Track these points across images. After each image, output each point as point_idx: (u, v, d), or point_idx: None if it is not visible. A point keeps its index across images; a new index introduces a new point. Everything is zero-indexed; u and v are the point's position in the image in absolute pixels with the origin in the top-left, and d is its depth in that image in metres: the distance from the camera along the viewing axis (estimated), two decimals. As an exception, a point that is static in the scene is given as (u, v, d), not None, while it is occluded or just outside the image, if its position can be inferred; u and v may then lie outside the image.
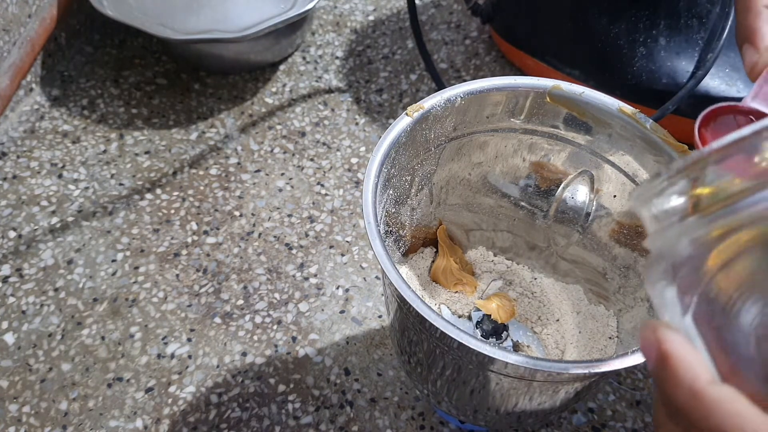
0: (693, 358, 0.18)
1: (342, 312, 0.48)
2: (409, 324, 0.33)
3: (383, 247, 0.30)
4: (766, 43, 0.26)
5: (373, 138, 0.60)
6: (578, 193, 0.41)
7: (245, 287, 0.49)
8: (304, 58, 0.67)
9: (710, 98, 0.53)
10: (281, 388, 0.44)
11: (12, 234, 0.51)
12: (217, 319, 0.47)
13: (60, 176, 0.56)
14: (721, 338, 0.18)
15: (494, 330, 0.42)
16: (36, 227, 0.52)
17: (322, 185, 0.56)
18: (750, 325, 0.18)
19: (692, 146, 0.29)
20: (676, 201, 0.19)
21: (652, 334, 0.19)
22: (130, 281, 0.49)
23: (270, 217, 0.53)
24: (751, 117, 0.25)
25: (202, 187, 0.55)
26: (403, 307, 0.32)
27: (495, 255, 0.46)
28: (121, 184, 0.55)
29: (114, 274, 0.49)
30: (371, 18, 0.73)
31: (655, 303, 0.20)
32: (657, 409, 0.19)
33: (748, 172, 0.17)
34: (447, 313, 0.43)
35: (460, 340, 0.27)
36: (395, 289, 0.29)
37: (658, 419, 0.19)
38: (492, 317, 0.42)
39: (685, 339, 0.18)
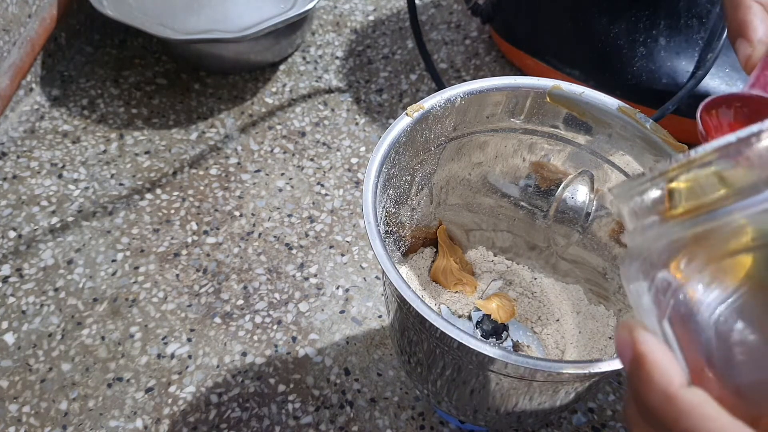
0: (667, 360, 0.18)
1: (342, 312, 0.48)
2: (409, 324, 0.33)
3: (383, 247, 0.30)
4: (759, 35, 0.27)
5: (373, 138, 0.60)
6: (578, 193, 0.41)
7: (245, 287, 0.49)
8: (304, 58, 0.67)
9: (710, 98, 0.53)
10: (281, 388, 0.44)
11: (12, 234, 0.51)
12: (217, 319, 0.47)
13: (60, 176, 0.56)
14: (693, 339, 0.18)
15: (494, 330, 0.42)
16: (36, 227, 0.52)
17: (322, 185, 0.56)
18: (711, 324, 0.18)
19: (692, 146, 0.29)
20: (655, 193, 0.19)
21: (628, 334, 0.19)
22: (130, 281, 0.49)
23: (270, 217, 0.53)
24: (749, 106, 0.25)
25: (202, 187, 0.55)
26: (403, 307, 0.32)
27: (495, 255, 0.46)
28: (121, 184, 0.55)
29: (114, 274, 0.49)
30: (371, 18, 0.73)
31: (631, 301, 0.20)
32: (629, 407, 0.20)
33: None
34: (447, 313, 0.43)
35: (460, 340, 0.27)
36: (395, 289, 0.29)
37: (630, 417, 0.20)
38: (492, 317, 0.42)
39: (660, 341, 0.19)
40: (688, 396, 0.17)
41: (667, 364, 0.18)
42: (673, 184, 0.18)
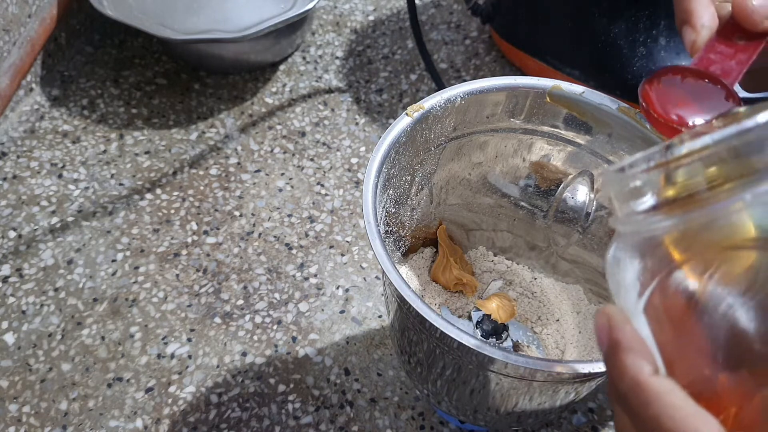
0: (639, 348, 0.19)
1: (342, 312, 0.48)
2: (409, 324, 0.33)
3: (383, 247, 0.30)
4: (702, 21, 0.28)
5: (373, 138, 0.60)
6: (578, 193, 0.41)
7: (245, 287, 0.49)
8: (304, 58, 0.67)
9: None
10: (281, 388, 0.44)
11: (12, 234, 0.51)
12: (217, 319, 0.47)
13: (60, 176, 0.56)
14: (686, 324, 0.18)
15: (494, 330, 0.42)
16: (36, 227, 0.52)
17: (322, 185, 0.56)
18: (712, 310, 0.18)
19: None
20: (651, 182, 0.19)
21: (605, 320, 0.20)
22: (130, 281, 0.49)
23: (270, 217, 0.53)
24: (704, 79, 0.26)
25: (202, 187, 0.55)
26: (403, 307, 0.32)
27: (495, 255, 0.46)
28: (121, 184, 0.55)
29: (114, 274, 0.49)
30: (371, 18, 0.73)
31: (611, 286, 0.21)
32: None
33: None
34: (447, 313, 0.43)
35: (460, 340, 0.27)
36: (395, 289, 0.29)
37: (611, 400, 0.20)
38: (492, 317, 0.42)
39: (634, 328, 0.19)
40: (656, 384, 0.18)
41: (639, 351, 0.19)
42: (672, 173, 0.18)
